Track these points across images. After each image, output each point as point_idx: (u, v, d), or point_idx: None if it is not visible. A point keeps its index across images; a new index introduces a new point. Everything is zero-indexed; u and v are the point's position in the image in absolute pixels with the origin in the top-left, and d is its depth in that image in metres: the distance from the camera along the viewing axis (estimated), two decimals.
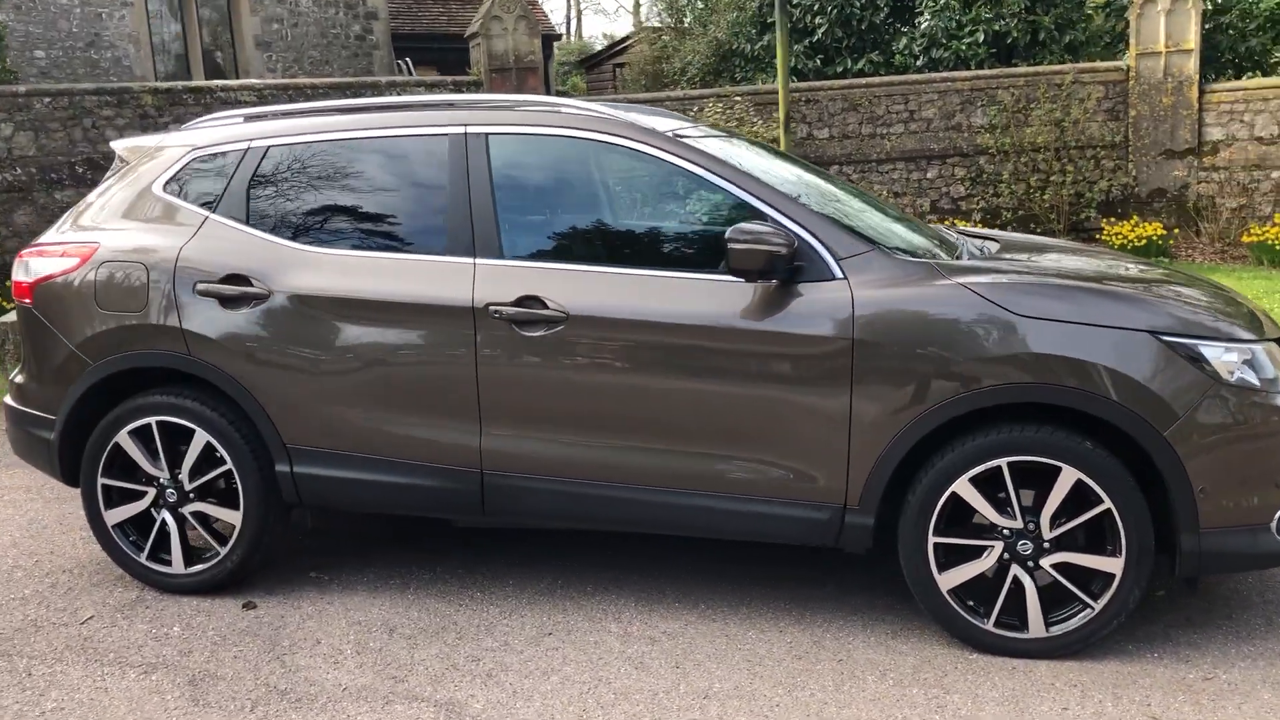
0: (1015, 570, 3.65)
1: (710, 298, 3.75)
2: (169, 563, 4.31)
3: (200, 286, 4.14)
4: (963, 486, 3.63)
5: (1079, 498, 3.59)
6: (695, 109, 12.76)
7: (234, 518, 4.24)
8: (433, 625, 4.03)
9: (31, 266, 4.40)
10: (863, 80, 13.82)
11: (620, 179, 4.31)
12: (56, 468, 4.41)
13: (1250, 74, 13.63)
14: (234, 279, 4.12)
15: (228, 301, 4.12)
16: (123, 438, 4.27)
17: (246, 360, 4.11)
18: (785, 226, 3.72)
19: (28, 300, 4.40)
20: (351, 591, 4.33)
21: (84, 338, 4.26)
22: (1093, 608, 3.62)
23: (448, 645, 3.87)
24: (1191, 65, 13.07)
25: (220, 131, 4.39)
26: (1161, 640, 3.79)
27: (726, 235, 3.58)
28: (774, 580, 4.32)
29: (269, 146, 4.26)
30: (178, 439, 4.26)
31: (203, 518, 4.29)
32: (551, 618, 4.06)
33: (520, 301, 3.85)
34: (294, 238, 4.15)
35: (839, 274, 3.69)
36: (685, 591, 4.25)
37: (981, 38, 14.00)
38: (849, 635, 3.88)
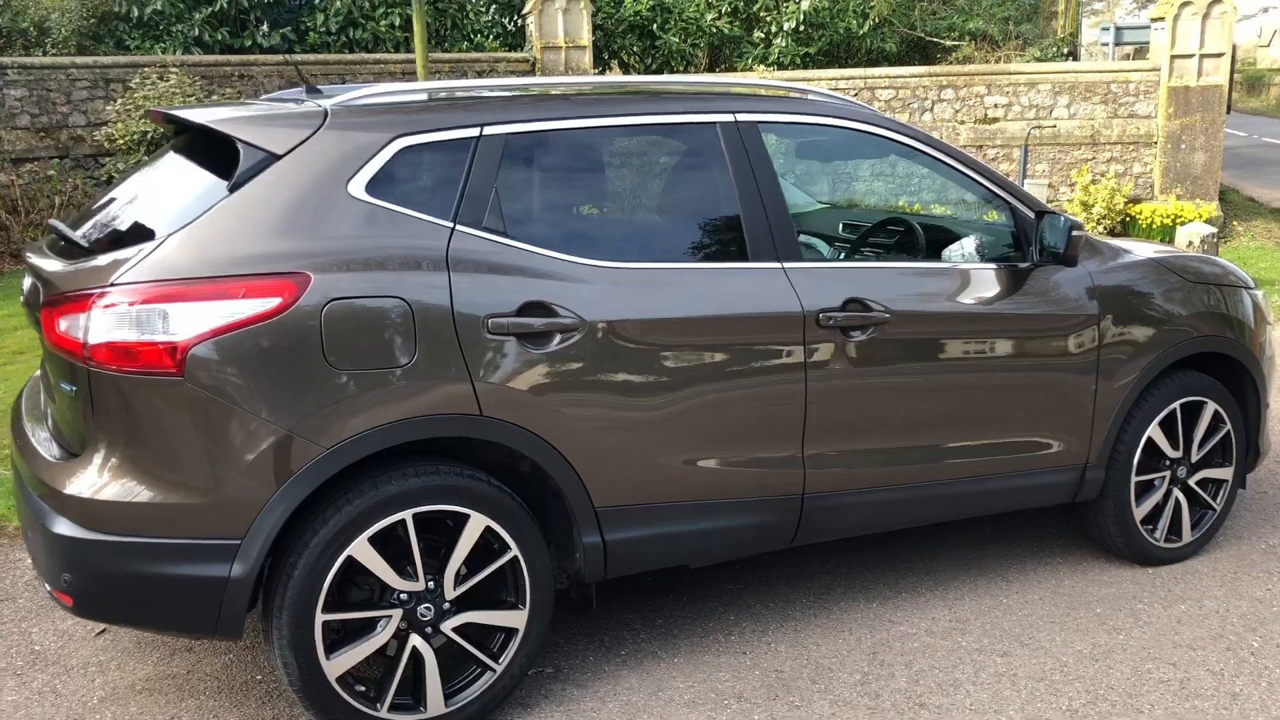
0: (1176, 493, 4.42)
1: (999, 286, 3.87)
2: (421, 708, 3.13)
3: (494, 322, 3.05)
4: (1155, 431, 4.29)
5: (1210, 426, 4.46)
6: (115, 82, 11.03)
7: (514, 619, 3.24)
8: (769, 682, 3.54)
9: (173, 317, 2.78)
10: (298, 57, 12.96)
11: (874, 169, 4.08)
12: (235, 616, 2.90)
13: (627, 70, 15.55)
14: (535, 309, 3.12)
15: (530, 338, 3.11)
16: (360, 548, 2.98)
17: (553, 411, 3.16)
18: (1031, 214, 3.98)
19: (170, 371, 2.78)
20: (612, 679, 3.56)
21: (307, 412, 2.87)
22: (1215, 510, 4.54)
23: (831, 695, 3.48)
24: (587, 60, 14.56)
25: (429, 116, 3.19)
26: (1235, 533, 4.81)
27: (1071, 224, 3.76)
28: (924, 554, 4.53)
29: (507, 135, 3.23)
30: (433, 533, 3.11)
31: (469, 631, 3.20)
32: (843, 641, 3.83)
33: (846, 305, 3.57)
34: (579, 251, 3.25)
35: None
36: (891, 583, 4.26)
37: (397, 20, 13.97)
38: (1061, 582, 4.30)
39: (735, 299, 3.42)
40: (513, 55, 14.38)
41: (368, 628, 3.07)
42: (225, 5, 13.25)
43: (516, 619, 3.23)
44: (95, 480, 2.85)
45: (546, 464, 3.17)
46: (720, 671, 3.60)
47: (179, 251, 2.86)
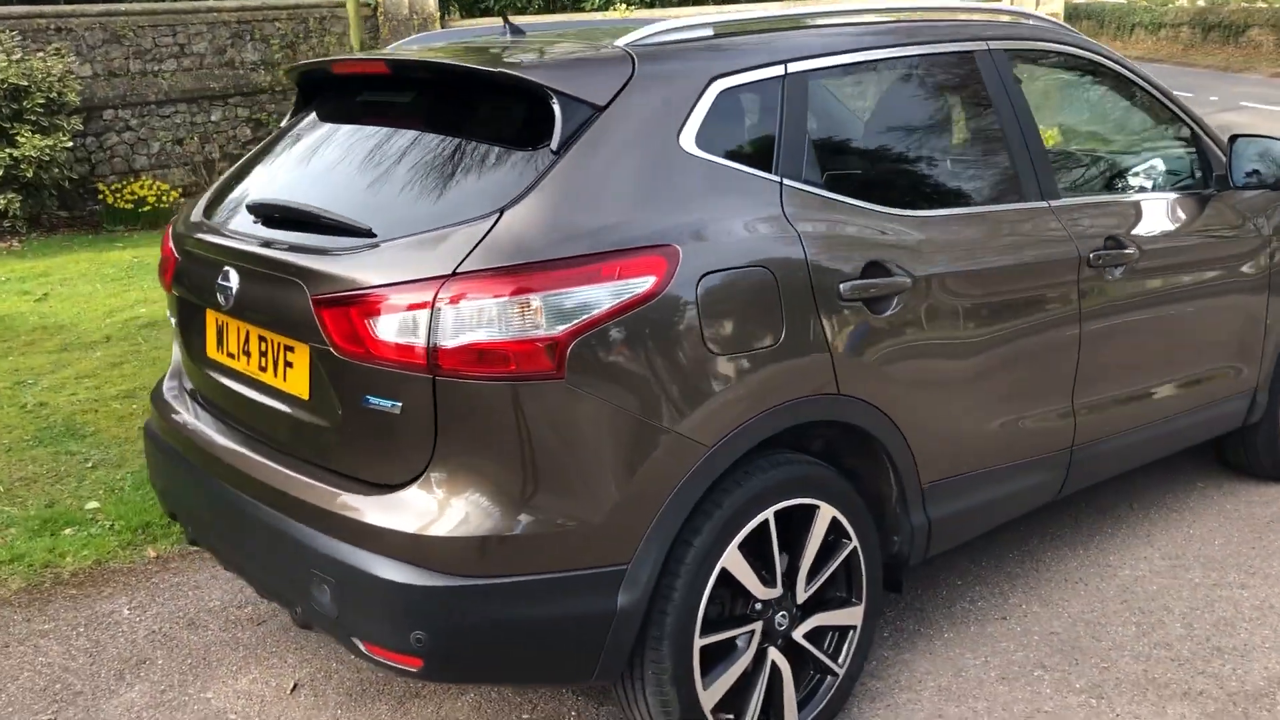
0: None
1: (1201, 214, 3.79)
2: None
3: (845, 288, 2.68)
4: None
5: None
6: None
7: (853, 616, 2.92)
8: (1055, 646, 3.37)
9: (546, 309, 2.26)
10: (122, 6, 11.58)
11: (1086, 97, 3.86)
12: (619, 654, 2.45)
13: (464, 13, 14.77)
14: (875, 269, 2.76)
15: (874, 303, 2.76)
16: (731, 558, 2.58)
17: (891, 381, 2.83)
18: (1212, 142, 3.92)
19: (549, 372, 2.27)
20: (901, 665, 3.30)
21: (689, 407, 2.43)
22: None
23: (1127, 651, 3.34)
24: (432, 2, 13.73)
25: (736, 54, 2.74)
26: None
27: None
28: (1082, 496, 4.46)
29: (809, 72, 2.82)
30: (787, 531, 2.74)
31: (817, 636, 2.86)
32: (1086, 593, 3.70)
33: (1106, 243, 3.40)
34: (890, 200, 2.91)
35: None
36: (1074, 527, 4.17)
37: None
38: (1223, 506, 4.31)
39: (1026, 243, 3.19)
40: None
41: (728, 647, 2.67)
42: None
43: (855, 615, 2.92)
44: (449, 514, 2.32)
45: (888, 442, 2.85)
46: (1001, 641, 3.40)
47: (526, 229, 2.34)
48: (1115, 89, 3.78)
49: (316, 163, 2.92)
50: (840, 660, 2.90)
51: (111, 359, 6.30)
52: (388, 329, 2.30)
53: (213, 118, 12.18)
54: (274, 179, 2.98)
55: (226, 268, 2.71)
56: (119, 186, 10.93)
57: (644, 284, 2.36)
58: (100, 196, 10.86)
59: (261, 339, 2.69)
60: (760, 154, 2.70)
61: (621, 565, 2.40)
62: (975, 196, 3.20)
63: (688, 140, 2.57)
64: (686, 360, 2.42)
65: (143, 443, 3.33)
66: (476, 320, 2.25)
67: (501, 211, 2.35)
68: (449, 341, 2.26)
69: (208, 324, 2.93)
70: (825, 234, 2.69)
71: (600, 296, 2.32)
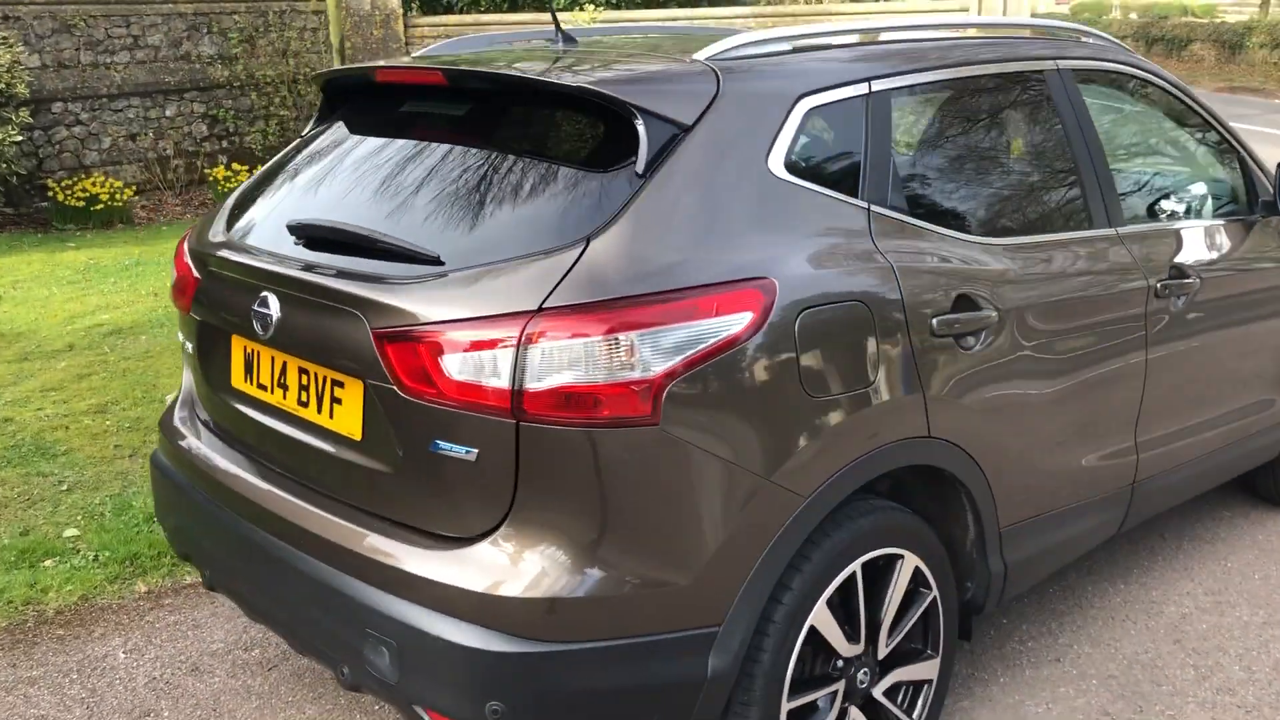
0: None
1: (1250, 240, 3.70)
2: None
3: (936, 322, 2.51)
4: None
5: None
6: None
7: (930, 670, 2.75)
8: (1115, 691, 3.24)
9: (641, 347, 2.05)
10: None
11: (1145, 120, 3.72)
12: None
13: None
14: (964, 302, 2.60)
15: (962, 338, 2.59)
16: (820, 615, 2.40)
17: (976, 422, 2.67)
18: (1257, 167, 3.82)
19: (645, 417, 2.06)
20: (964, 714, 3.14)
21: (785, 454, 2.23)
22: None
23: (1191, 697, 3.22)
24: (395, 0, 13.40)
25: (821, 70, 2.55)
26: None
27: None
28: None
29: (891, 91, 2.64)
30: (870, 583, 2.56)
31: (892, 691, 2.68)
32: (1135, 631, 3.58)
33: (1171, 273, 3.28)
34: (974, 228, 2.76)
35: None
36: (1111, 562, 4.06)
37: None
38: (1255, 538, 4.22)
39: (1103, 272, 3.06)
40: None
41: (809, 709, 2.49)
42: None
43: (931, 669, 2.75)
44: (531, 573, 2.11)
45: (970, 483, 2.69)
46: (1059, 685, 3.26)
47: (614, 260, 2.13)
48: (1167, 110, 3.66)
49: (354, 179, 2.68)
50: (915, 716, 2.73)
51: (77, 370, 5.95)
52: (463, 368, 2.08)
53: (167, 113, 11.74)
54: (308, 195, 2.74)
55: (265, 293, 2.47)
56: (69, 183, 10.48)
57: (741, 320, 2.17)
58: (50, 193, 10.39)
59: (303, 371, 2.45)
60: (846, 178, 2.52)
61: (713, 627, 2.21)
62: (1053, 223, 3.05)
63: (776, 163, 2.38)
64: (783, 403, 2.23)
65: (150, 475, 3.06)
66: (565, 360, 2.05)
67: (588, 240, 2.14)
68: (534, 383, 2.04)
69: (234, 351, 2.68)
70: (915, 264, 2.52)
71: (696, 335, 2.12)
